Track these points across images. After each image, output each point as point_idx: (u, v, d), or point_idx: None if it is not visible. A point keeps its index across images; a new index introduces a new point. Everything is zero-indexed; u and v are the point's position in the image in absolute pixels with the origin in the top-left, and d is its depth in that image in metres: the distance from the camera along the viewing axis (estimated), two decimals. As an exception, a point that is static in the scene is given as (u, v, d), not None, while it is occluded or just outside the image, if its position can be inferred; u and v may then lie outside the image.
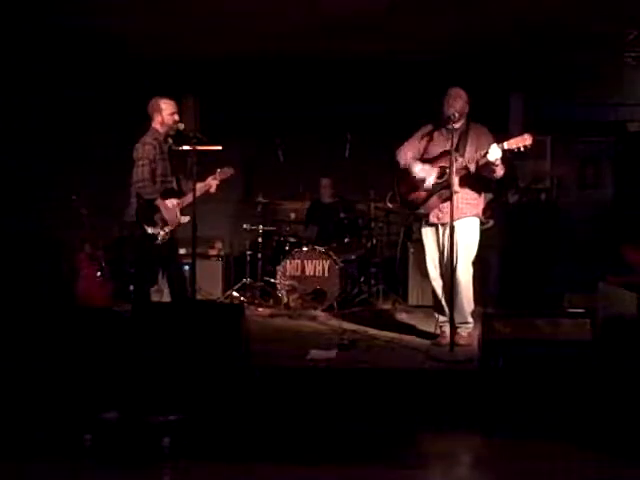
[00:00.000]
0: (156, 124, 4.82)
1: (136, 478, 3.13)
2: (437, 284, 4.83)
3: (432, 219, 4.77)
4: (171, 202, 4.77)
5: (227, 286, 6.79)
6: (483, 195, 4.84)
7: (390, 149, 4.98)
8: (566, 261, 6.60)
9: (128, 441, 3.37)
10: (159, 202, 4.70)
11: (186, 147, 4.95)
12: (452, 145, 4.46)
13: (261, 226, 6.85)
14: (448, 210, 4.48)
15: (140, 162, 4.65)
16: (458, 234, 4.55)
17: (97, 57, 6.59)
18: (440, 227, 4.75)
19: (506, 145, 4.40)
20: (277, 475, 3.13)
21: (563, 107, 7.14)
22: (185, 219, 4.80)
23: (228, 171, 5.03)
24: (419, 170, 4.73)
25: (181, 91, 6.99)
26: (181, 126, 4.83)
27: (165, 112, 4.80)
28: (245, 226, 6.89)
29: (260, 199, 6.96)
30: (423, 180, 4.71)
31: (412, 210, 4.93)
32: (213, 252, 7.02)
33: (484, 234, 4.83)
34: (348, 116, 7.16)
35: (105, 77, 6.89)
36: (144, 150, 4.66)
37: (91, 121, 6.96)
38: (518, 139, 4.40)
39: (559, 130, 7.20)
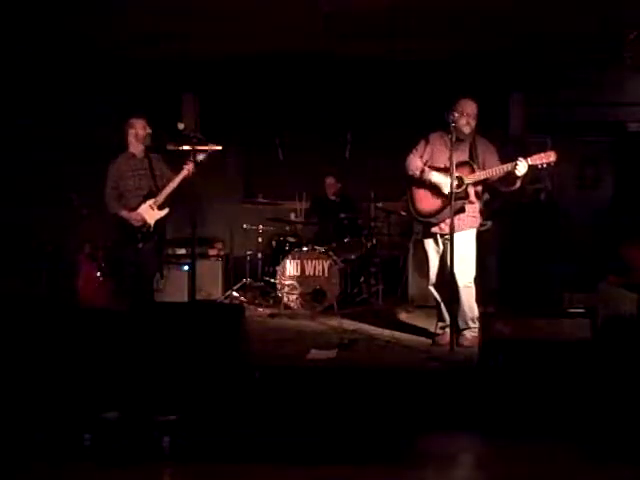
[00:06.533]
0: (131, 138, 5.00)
1: (136, 478, 3.13)
2: (436, 291, 4.81)
3: (433, 229, 4.73)
4: (145, 206, 4.96)
5: (227, 286, 6.78)
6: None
7: (390, 149, 4.96)
8: (566, 261, 6.60)
9: (128, 441, 3.36)
10: (124, 214, 4.94)
11: (186, 147, 4.95)
12: (451, 156, 4.42)
13: (261, 226, 6.86)
14: (448, 222, 4.46)
15: (106, 182, 5.01)
16: (456, 246, 4.48)
17: (97, 57, 6.60)
18: (440, 238, 4.73)
19: (530, 161, 4.37)
20: (277, 475, 3.13)
21: (563, 107, 7.14)
22: (163, 212, 4.99)
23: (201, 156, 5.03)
24: (436, 178, 4.61)
25: (181, 91, 7.00)
26: (181, 126, 4.83)
27: (137, 126, 4.98)
28: (245, 226, 6.89)
29: (260, 199, 6.95)
30: (438, 187, 4.62)
31: (425, 219, 4.80)
32: (213, 252, 7.01)
33: (484, 234, 4.81)
34: (348, 116, 7.16)
35: (105, 77, 6.89)
36: (108, 171, 5.02)
37: (91, 121, 6.96)
38: (542, 155, 4.37)
39: (559, 130, 7.19)
